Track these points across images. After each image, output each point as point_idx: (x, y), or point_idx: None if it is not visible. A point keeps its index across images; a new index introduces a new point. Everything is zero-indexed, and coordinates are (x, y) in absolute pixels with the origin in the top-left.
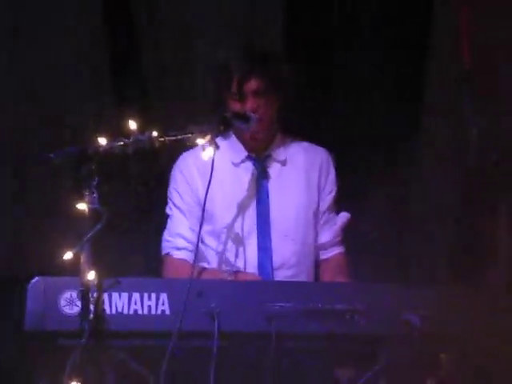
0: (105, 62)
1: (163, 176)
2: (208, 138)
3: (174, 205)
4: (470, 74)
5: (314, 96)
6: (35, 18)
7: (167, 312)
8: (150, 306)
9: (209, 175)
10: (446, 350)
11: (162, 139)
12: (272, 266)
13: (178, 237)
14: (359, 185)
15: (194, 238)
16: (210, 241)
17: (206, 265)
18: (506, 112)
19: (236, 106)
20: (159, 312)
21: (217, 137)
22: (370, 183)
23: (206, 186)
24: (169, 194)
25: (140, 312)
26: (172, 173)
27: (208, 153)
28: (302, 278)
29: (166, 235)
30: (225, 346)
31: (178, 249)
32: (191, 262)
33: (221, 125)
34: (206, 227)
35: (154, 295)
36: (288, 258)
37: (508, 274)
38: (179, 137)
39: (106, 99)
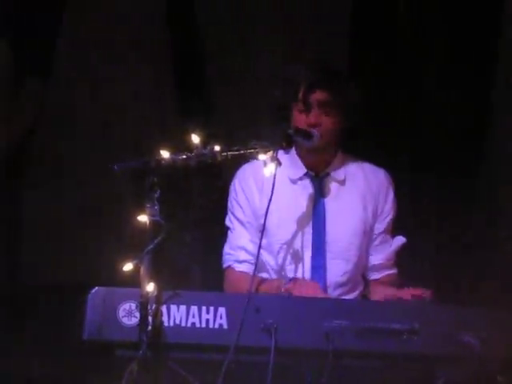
0: (168, 75)
1: (225, 190)
2: (270, 153)
3: (235, 217)
4: None
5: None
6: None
7: (225, 326)
8: (207, 320)
9: (266, 190)
10: (503, 372)
11: (225, 154)
12: (325, 285)
13: (240, 249)
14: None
15: (255, 251)
16: (265, 255)
17: (266, 275)
18: None
19: (301, 118)
20: (217, 326)
21: (278, 153)
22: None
23: (264, 201)
24: (229, 205)
25: (198, 325)
26: (232, 184)
27: (270, 169)
28: (351, 297)
29: (226, 248)
30: (281, 361)
31: (240, 262)
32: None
33: (283, 141)
34: (264, 240)
35: (212, 309)
36: (339, 277)
37: None
38: (242, 152)
39: (170, 112)
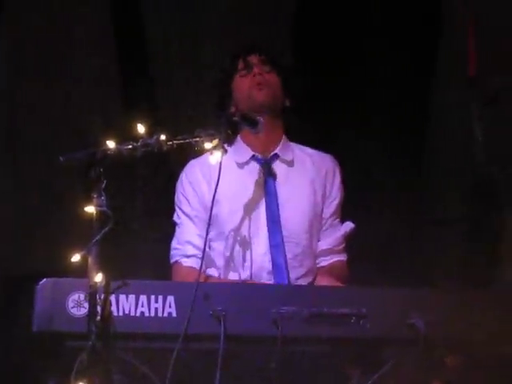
0: (113, 64)
1: (171, 178)
2: (216, 141)
3: (182, 212)
4: (475, 80)
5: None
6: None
7: (174, 314)
8: (156, 309)
9: (215, 180)
10: (450, 354)
11: (171, 143)
12: (286, 261)
13: (187, 244)
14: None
15: (202, 245)
16: (217, 245)
17: (214, 270)
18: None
19: (244, 82)
20: (166, 314)
21: (225, 141)
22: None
23: (212, 190)
24: (176, 200)
25: (147, 314)
26: (179, 180)
27: (216, 157)
28: (306, 280)
29: (174, 243)
30: (231, 348)
31: (187, 256)
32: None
33: (228, 128)
34: (213, 231)
35: (160, 297)
36: (291, 260)
37: None
38: (187, 140)
39: (114, 102)
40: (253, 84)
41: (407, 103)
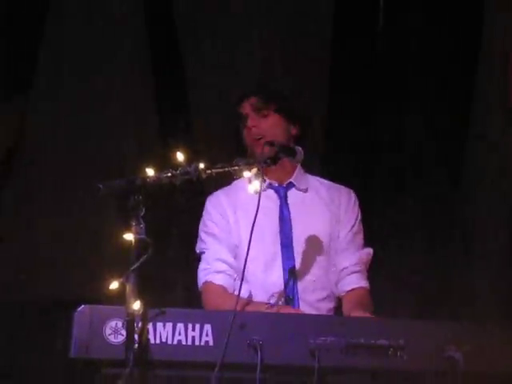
0: (151, 95)
1: None
2: (255, 171)
3: (208, 234)
4: None
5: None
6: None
7: (211, 343)
8: (193, 337)
9: (240, 213)
10: None
11: (209, 171)
12: (297, 286)
13: (217, 261)
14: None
15: (232, 262)
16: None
17: (244, 287)
18: None
19: (246, 137)
20: (203, 343)
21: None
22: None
23: (238, 223)
24: (202, 227)
25: (184, 342)
26: (205, 208)
27: (254, 186)
28: (328, 305)
29: (201, 266)
30: (267, 378)
31: (218, 272)
32: (230, 287)
33: (268, 158)
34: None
35: (198, 326)
36: (312, 282)
37: None
38: (226, 169)
39: (153, 130)
40: (250, 138)
41: (443, 132)
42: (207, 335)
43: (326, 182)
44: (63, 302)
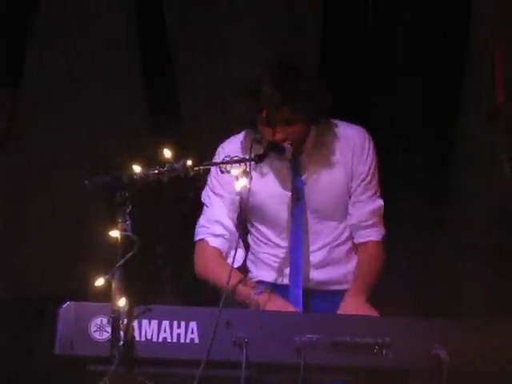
0: (140, 90)
1: (196, 202)
2: (242, 168)
3: (214, 192)
4: (503, 112)
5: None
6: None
7: (196, 340)
8: (179, 334)
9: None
10: None
11: (197, 168)
12: (302, 256)
13: (216, 223)
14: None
15: (231, 226)
16: (254, 228)
17: (241, 252)
18: None
19: (267, 132)
20: (188, 340)
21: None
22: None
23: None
24: (209, 181)
25: (169, 340)
26: (216, 158)
27: (241, 183)
28: (351, 258)
29: (202, 221)
30: (253, 376)
31: (215, 235)
32: (225, 251)
33: (256, 156)
34: (250, 215)
35: (183, 323)
36: (334, 236)
37: None
38: (214, 166)
39: (141, 127)
40: (274, 139)
41: (432, 131)
42: (192, 332)
43: (338, 129)
44: (49, 297)
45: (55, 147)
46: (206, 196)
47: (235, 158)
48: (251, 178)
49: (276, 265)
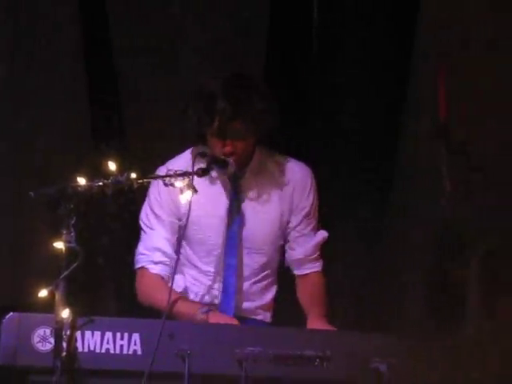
0: (84, 102)
1: (138, 214)
2: (187, 181)
3: (154, 214)
4: (445, 127)
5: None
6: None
7: (139, 352)
8: (122, 346)
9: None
10: None
11: (141, 181)
12: (235, 283)
13: (155, 250)
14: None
15: (170, 252)
16: (185, 252)
17: (180, 277)
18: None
19: (216, 145)
20: (131, 352)
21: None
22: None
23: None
24: (148, 203)
25: (112, 351)
26: (154, 183)
27: (186, 196)
28: (269, 290)
29: (140, 248)
30: None
31: (155, 263)
32: (166, 276)
33: (199, 169)
34: (184, 240)
35: (126, 335)
36: (254, 270)
37: (476, 327)
38: (157, 179)
39: (85, 139)
40: (223, 151)
41: (375, 147)
42: (135, 344)
43: (282, 159)
44: None
45: None
46: (145, 217)
47: (178, 172)
48: (196, 191)
49: (196, 289)
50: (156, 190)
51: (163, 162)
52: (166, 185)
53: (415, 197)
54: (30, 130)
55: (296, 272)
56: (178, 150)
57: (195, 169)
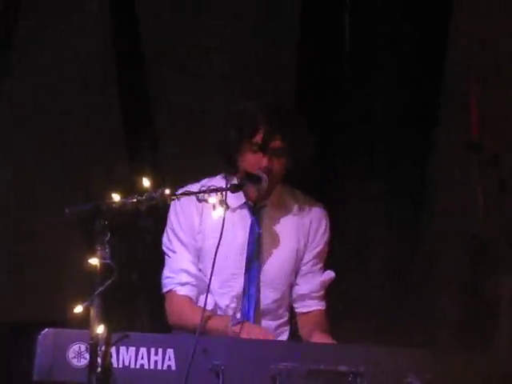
0: (117, 121)
1: None
2: (220, 197)
3: (176, 237)
4: (478, 144)
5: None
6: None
7: (173, 368)
8: (156, 361)
9: (206, 213)
10: None
11: (174, 197)
12: (253, 313)
13: (181, 272)
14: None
15: (197, 272)
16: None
17: (209, 297)
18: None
19: (253, 159)
20: (165, 367)
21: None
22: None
23: (203, 224)
24: (169, 226)
25: (146, 367)
26: (172, 207)
27: (218, 212)
28: (281, 325)
29: (166, 272)
30: None
31: (182, 284)
32: (194, 297)
33: (232, 185)
34: (201, 264)
35: (160, 350)
36: (268, 305)
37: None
38: (191, 195)
39: (119, 155)
40: (260, 166)
41: (406, 164)
42: (170, 359)
43: (301, 196)
44: (28, 324)
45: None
46: (168, 242)
47: (212, 187)
48: (228, 207)
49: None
50: (174, 215)
51: (197, 178)
52: (199, 201)
53: (447, 210)
54: (68, 148)
55: (298, 309)
56: (209, 166)
57: (228, 185)
